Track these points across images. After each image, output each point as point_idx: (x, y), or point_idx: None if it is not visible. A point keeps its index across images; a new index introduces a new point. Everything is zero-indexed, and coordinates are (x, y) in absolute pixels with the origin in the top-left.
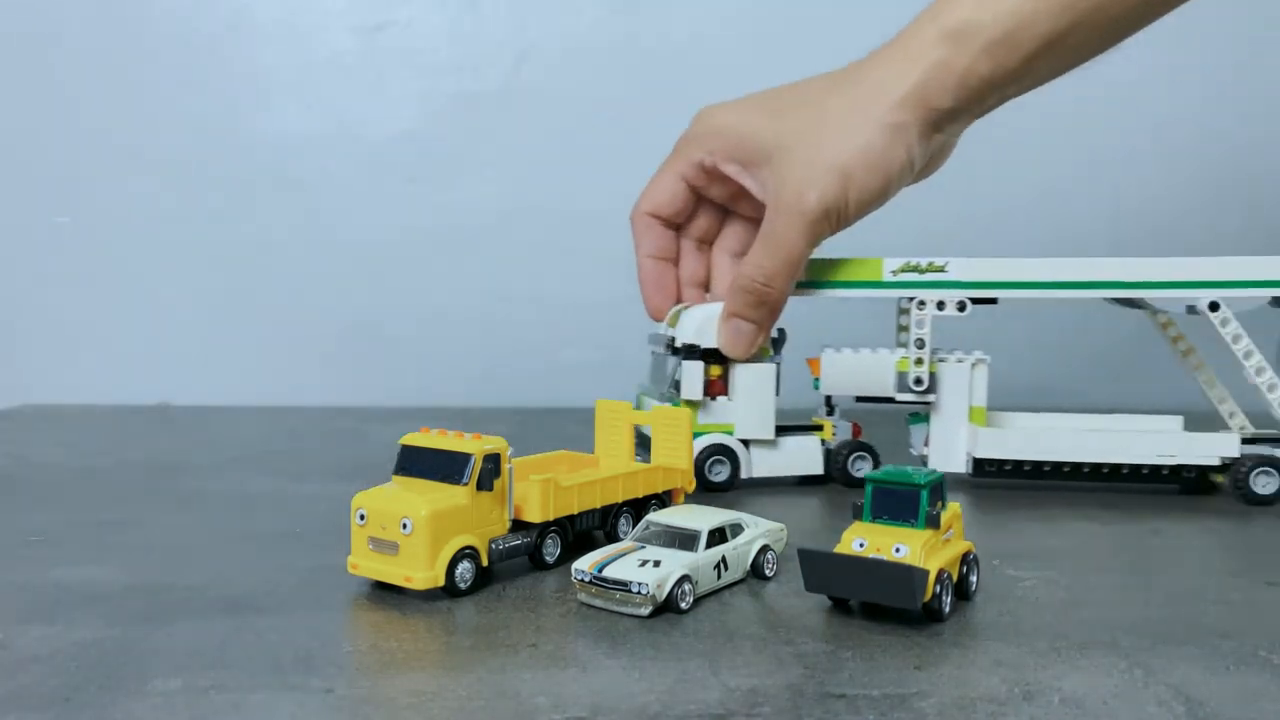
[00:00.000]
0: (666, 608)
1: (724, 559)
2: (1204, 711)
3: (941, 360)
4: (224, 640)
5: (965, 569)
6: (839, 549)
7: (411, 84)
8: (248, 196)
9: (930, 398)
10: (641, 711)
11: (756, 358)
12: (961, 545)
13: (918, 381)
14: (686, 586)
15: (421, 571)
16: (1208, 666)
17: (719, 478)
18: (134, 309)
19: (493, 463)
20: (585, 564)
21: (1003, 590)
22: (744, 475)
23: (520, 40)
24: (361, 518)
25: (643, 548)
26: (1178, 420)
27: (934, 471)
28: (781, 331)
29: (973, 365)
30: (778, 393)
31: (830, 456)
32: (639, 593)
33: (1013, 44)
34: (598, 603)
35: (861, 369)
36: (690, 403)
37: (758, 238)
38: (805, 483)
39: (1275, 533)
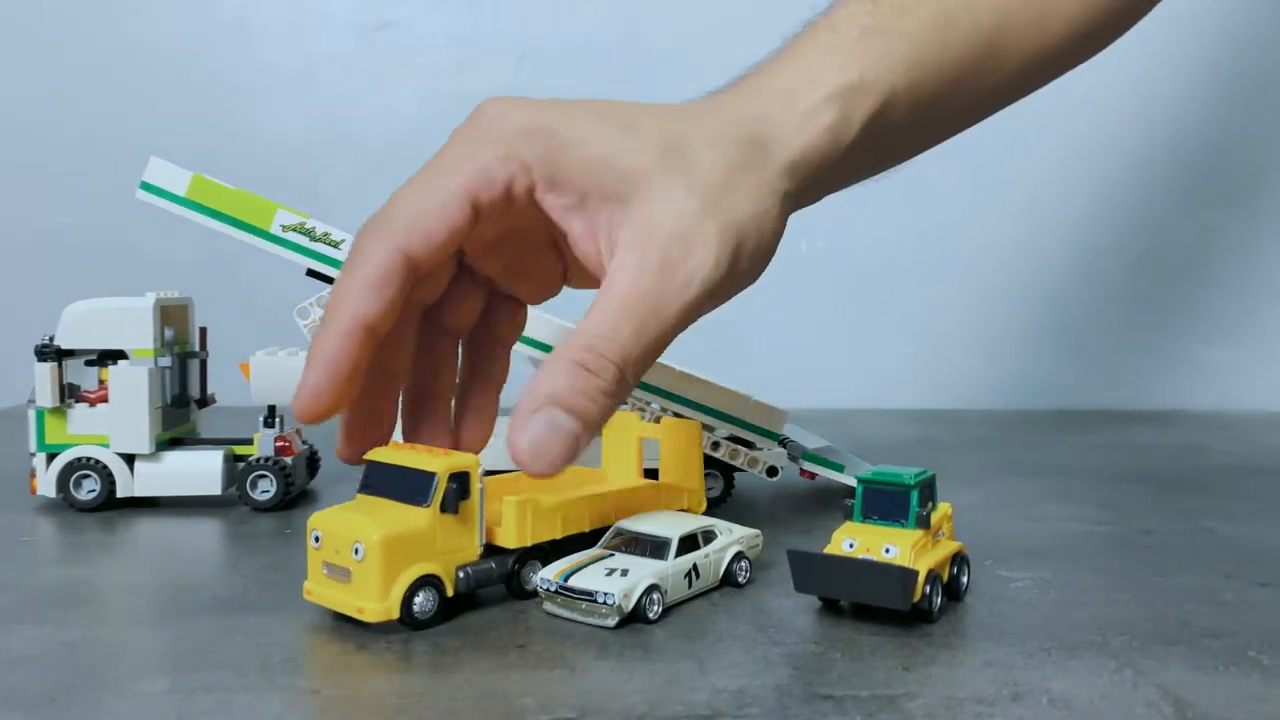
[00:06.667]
0: (634, 618)
1: (695, 567)
2: (1193, 712)
3: None
4: (212, 640)
5: (956, 569)
6: (829, 549)
7: (411, 84)
8: None
9: None
10: (628, 712)
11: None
12: (952, 545)
13: None
14: (655, 596)
15: (373, 603)
16: (1197, 667)
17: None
18: None
19: (459, 482)
20: (551, 573)
21: (994, 591)
22: (120, 494)
23: (520, 40)
24: (316, 540)
25: (611, 555)
26: None
27: (925, 471)
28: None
29: None
30: (174, 401)
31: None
32: (604, 603)
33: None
34: (564, 613)
35: (297, 374)
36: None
37: (610, 297)
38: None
39: (1269, 533)
